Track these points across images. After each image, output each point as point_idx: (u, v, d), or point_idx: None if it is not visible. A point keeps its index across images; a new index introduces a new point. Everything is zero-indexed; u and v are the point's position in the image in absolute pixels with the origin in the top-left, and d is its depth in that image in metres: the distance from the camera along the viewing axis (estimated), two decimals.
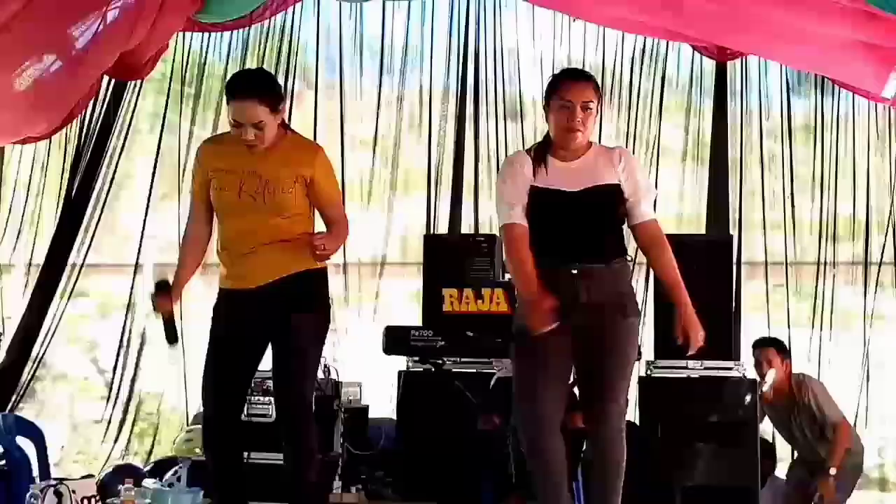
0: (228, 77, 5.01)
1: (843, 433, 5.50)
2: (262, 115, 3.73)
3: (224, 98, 3.86)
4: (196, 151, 4.02)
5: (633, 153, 6.74)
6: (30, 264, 6.88)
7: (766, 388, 5.62)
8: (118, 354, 6.87)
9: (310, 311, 3.88)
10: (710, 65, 6.66)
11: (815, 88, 6.55)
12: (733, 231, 6.46)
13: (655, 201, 6.08)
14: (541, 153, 3.73)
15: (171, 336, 3.94)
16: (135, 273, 6.88)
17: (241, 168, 3.82)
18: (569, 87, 3.66)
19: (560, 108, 3.63)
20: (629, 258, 3.75)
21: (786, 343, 5.92)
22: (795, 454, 5.88)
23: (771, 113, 6.68)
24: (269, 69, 6.96)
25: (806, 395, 5.58)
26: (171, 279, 3.96)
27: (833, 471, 5.38)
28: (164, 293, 3.91)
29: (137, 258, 6.90)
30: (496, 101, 6.90)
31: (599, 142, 6.30)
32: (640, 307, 3.82)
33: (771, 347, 5.73)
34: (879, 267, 6.44)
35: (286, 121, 4.05)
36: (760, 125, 6.68)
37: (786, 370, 5.69)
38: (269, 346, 3.95)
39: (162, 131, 7.03)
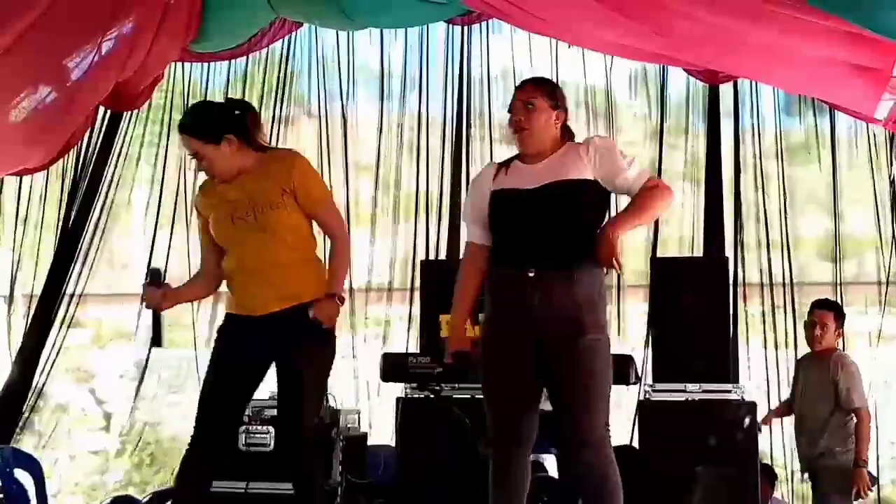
0: None
1: (864, 423, 5.29)
2: (197, 146, 3.89)
3: None
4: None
5: None
6: (31, 295, 6.87)
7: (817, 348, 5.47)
8: (117, 385, 6.87)
9: (321, 343, 3.88)
10: (703, 87, 6.68)
11: (809, 108, 6.58)
12: (730, 252, 6.45)
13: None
14: (509, 160, 3.73)
15: (157, 337, 3.93)
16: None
17: (230, 197, 3.90)
18: (514, 94, 3.74)
19: (508, 114, 3.71)
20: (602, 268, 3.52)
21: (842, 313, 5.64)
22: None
23: (765, 133, 6.70)
24: (266, 98, 7.06)
25: (837, 372, 5.34)
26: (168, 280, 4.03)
27: (863, 462, 5.23)
28: (156, 284, 3.93)
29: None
30: (491, 126, 6.91)
31: None
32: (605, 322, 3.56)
33: (830, 311, 5.51)
34: (887, 286, 6.42)
35: (266, 142, 4.11)
36: (755, 146, 6.69)
37: (836, 336, 5.48)
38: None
39: (156, 161, 7.04)
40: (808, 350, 5.63)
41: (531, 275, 3.45)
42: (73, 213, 6.77)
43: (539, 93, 3.65)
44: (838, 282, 6.47)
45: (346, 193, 6.95)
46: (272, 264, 3.84)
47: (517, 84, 3.87)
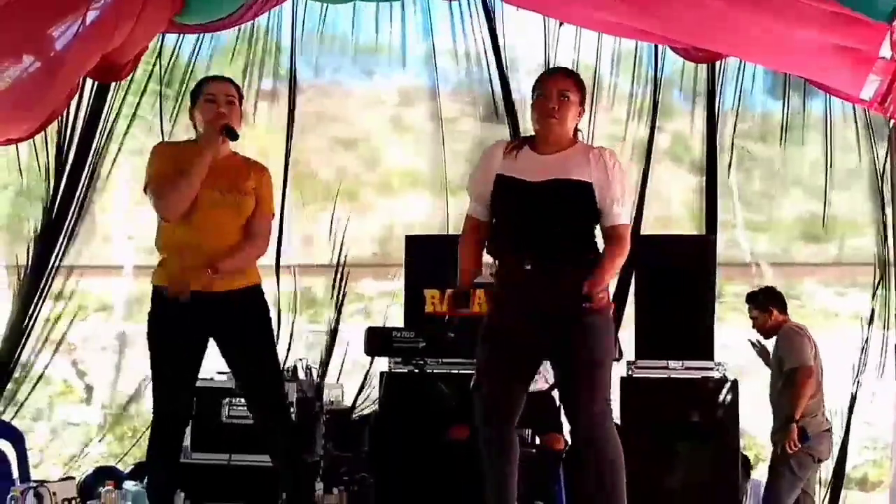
0: None
1: (798, 379, 5.42)
2: (234, 92, 4.01)
3: None
4: (152, 150, 4.07)
5: (617, 153, 6.78)
6: (27, 266, 6.80)
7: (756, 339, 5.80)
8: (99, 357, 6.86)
9: (269, 321, 4.05)
10: (691, 66, 6.66)
11: (795, 90, 6.59)
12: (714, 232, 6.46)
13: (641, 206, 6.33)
14: (520, 143, 3.79)
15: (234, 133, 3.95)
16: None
17: (211, 167, 3.89)
18: (546, 78, 3.79)
19: (538, 97, 3.72)
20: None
21: (768, 295, 5.80)
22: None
23: (751, 114, 6.71)
24: (251, 71, 7.03)
25: (777, 343, 5.63)
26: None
27: (797, 419, 5.37)
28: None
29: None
30: (472, 101, 6.90)
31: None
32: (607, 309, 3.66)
33: (749, 304, 5.78)
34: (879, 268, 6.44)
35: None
36: (741, 126, 6.70)
37: (773, 321, 5.68)
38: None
39: (128, 129, 6.98)
40: None
41: (528, 268, 3.56)
42: (58, 185, 6.73)
43: (574, 86, 3.72)
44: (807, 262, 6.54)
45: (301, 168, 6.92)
46: (235, 244, 3.92)
47: (547, 69, 3.98)
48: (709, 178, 6.61)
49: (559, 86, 3.68)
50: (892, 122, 5.47)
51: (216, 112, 3.93)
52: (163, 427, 3.96)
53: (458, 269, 3.87)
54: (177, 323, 3.89)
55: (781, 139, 6.64)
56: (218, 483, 5.18)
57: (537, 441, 5.15)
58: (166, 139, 6.93)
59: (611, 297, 3.66)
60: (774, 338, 5.71)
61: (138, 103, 6.98)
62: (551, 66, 6.60)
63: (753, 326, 5.77)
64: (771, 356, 5.72)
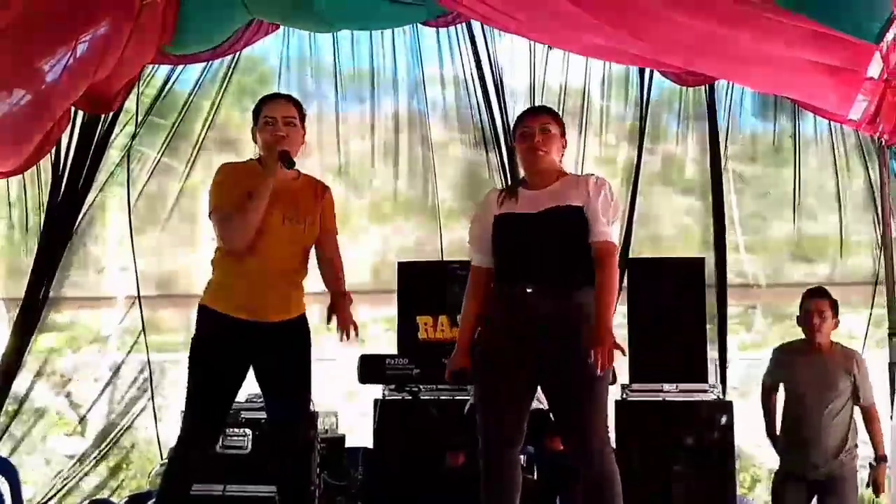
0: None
1: (877, 419, 5.03)
2: (294, 113, 3.92)
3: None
4: (217, 172, 3.95)
5: (609, 176, 6.79)
6: (20, 297, 6.78)
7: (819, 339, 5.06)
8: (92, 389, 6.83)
9: (309, 351, 3.97)
10: (678, 89, 6.68)
11: (785, 111, 6.61)
12: (708, 253, 6.45)
13: (630, 229, 6.34)
14: (514, 186, 3.97)
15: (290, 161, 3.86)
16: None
17: (276, 192, 3.82)
18: (527, 116, 3.98)
19: (521, 135, 3.89)
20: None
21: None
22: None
23: (741, 135, 6.73)
24: (240, 100, 7.04)
25: (853, 367, 5.04)
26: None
27: (887, 456, 4.96)
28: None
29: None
30: (462, 127, 6.92)
31: (582, 170, 6.40)
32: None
33: (827, 300, 5.09)
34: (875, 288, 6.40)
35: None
36: (733, 148, 6.71)
37: (834, 327, 5.10)
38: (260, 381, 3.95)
39: (128, 161, 6.97)
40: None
41: (529, 291, 3.64)
42: (51, 217, 6.72)
43: (553, 119, 3.92)
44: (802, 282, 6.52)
45: None
46: (294, 274, 3.91)
47: (526, 109, 4.16)
48: (714, 200, 6.60)
49: (539, 121, 3.88)
50: (882, 141, 5.48)
51: (275, 136, 3.85)
52: (185, 453, 3.84)
53: (458, 335, 3.89)
54: (223, 346, 3.82)
55: (773, 160, 6.67)
56: None
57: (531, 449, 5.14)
58: (159, 168, 6.94)
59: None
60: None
61: (134, 134, 6.96)
62: (539, 90, 6.68)
63: (819, 328, 5.05)
64: (831, 374, 5.08)
